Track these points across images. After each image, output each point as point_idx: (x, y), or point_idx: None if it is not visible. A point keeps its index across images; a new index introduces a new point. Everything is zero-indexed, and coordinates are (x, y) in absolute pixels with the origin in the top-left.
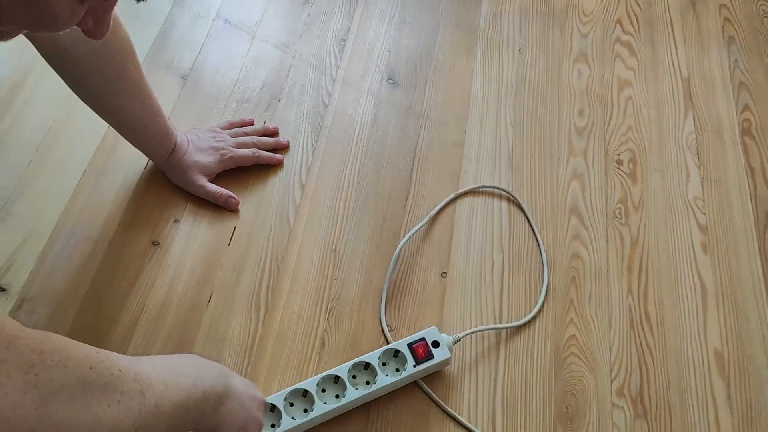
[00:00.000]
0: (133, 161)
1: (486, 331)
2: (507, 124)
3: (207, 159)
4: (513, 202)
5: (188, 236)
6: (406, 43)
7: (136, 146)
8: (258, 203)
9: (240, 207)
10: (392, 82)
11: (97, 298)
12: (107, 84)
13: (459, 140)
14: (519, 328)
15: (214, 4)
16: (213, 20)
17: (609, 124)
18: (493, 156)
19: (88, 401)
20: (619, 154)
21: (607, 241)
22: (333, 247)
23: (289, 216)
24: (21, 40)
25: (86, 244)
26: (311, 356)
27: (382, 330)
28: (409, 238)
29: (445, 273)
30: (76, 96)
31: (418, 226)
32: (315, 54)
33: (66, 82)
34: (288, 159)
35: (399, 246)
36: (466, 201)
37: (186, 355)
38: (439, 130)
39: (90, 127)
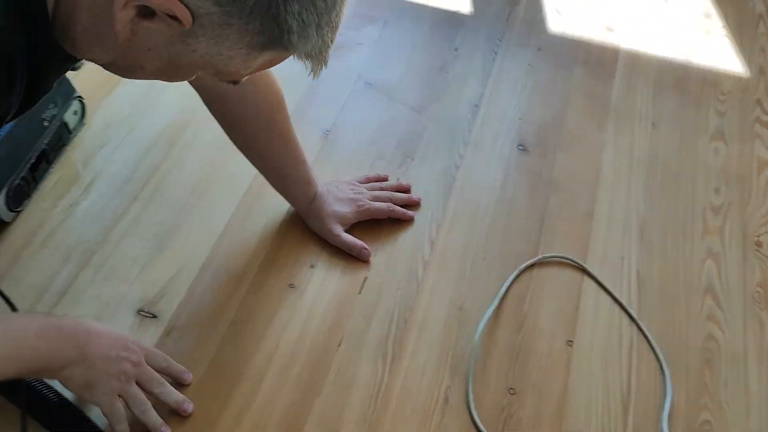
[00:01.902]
0: (276, 207)
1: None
2: (638, 197)
3: (344, 209)
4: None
5: (322, 282)
6: (537, 111)
7: (280, 192)
8: (389, 256)
9: (372, 258)
10: (522, 148)
11: (236, 332)
12: (259, 131)
13: (588, 210)
14: None
15: (357, 67)
16: (354, 82)
17: (748, 204)
18: (623, 228)
19: None
20: (758, 236)
21: (744, 326)
22: (459, 305)
23: (418, 271)
24: (188, 89)
25: (230, 281)
26: (434, 411)
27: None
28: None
29: (571, 341)
30: (230, 143)
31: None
32: (449, 117)
33: (222, 128)
34: (419, 215)
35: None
36: (595, 270)
37: (45, 327)
38: (568, 199)
39: (240, 173)
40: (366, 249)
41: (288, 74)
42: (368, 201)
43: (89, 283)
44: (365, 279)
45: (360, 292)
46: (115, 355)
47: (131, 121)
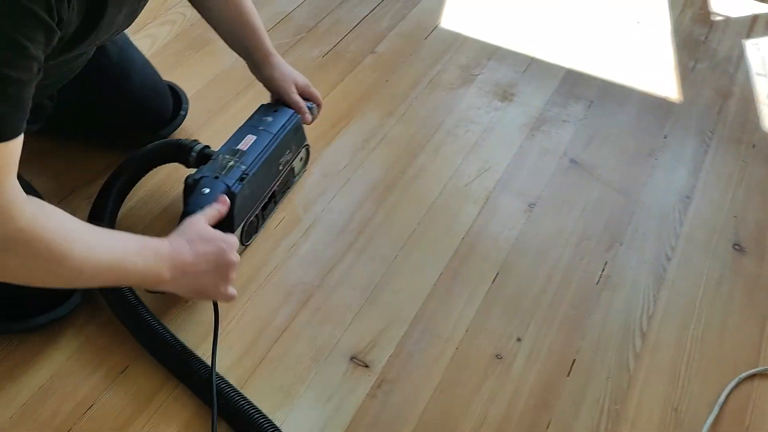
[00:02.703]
0: (485, 273)
1: None
2: None
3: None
4: None
5: (529, 357)
6: (754, 211)
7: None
8: (597, 341)
9: (579, 340)
10: (739, 248)
11: (444, 396)
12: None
13: None
14: None
15: (562, 143)
16: (560, 158)
17: None
18: None
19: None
20: None
21: None
22: (674, 406)
23: (629, 362)
24: (397, 152)
25: (437, 342)
26: None
27: None
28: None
29: None
30: (438, 206)
31: None
32: (658, 205)
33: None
34: (628, 304)
35: (746, 423)
36: None
37: (143, 245)
38: None
39: (448, 233)
40: (308, 114)
41: (494, 144)
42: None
43: (306, 324)
44: (573, 362)
45: (568, 375)
46: (213, 266)
47: (346, 173)
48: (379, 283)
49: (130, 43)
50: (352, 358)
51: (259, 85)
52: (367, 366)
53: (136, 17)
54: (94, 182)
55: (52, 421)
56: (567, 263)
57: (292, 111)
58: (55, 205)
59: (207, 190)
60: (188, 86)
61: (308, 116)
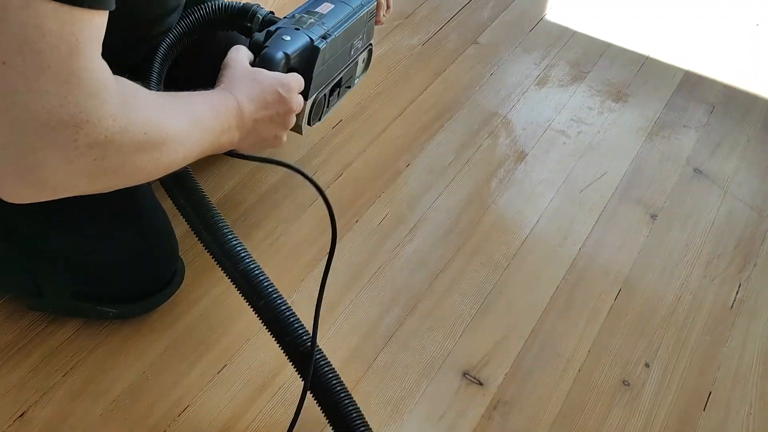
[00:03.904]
0: (606, 289)
1: None
2: None
3: None
4: None
5: (659, 386)
6: None
7: None
8: (736, 373)
9: (714, 371)
10: None
11: (568, 422)
12: None
13: None
14: None
15: (685, 150)
16: (683, 166)
17: None
18: None
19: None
20: None
21: None
22: None
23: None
24: (497, 157)
25: (558, 361)
26: None
27: None
28: None
29: None
30: (548, 216)
31: None
32: None
33: None
34: (767, 333)
35: None
36: None
37: (217, 109)
38: None
39: (562, 244)
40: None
41: (611, 149)
42: None
43: (415, 332)
44: (710, 394)
45: (704, 409)
46: (274, 113)
47: (453, 170)
48: (491, 291)
49: None
50: (464, 374)
51: None
52: (481, 384)
53: None
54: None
55: (144, 421)
56: (697, 283)
57: None
58: None
59: (288, 38)
60: None
61: (382, 16)
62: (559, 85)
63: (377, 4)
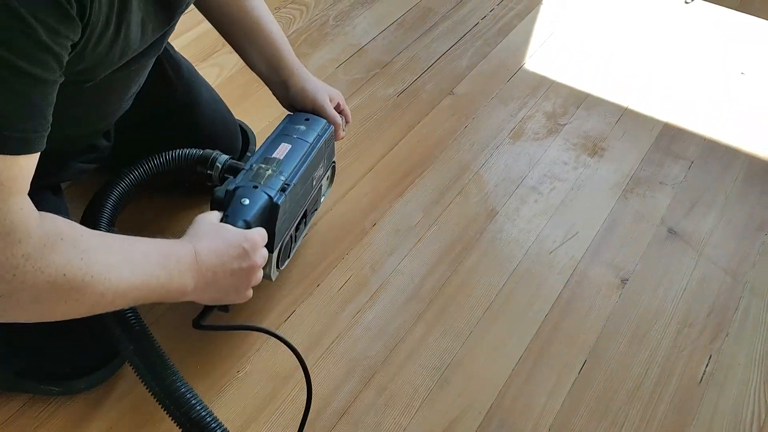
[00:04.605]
0: (571, 359)
1: None
2: None
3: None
4: None
5: None
6: None
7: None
8: None
9: None
10: None
11: None
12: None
13: None
14: None
15: (659, 209)
16: (657, 226)
17: None
18: None
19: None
20: None
21: None
22: None
23: None
24: (476, 208)
25: None
26: None
27: None
28: None
29: None
30: (515, 280)
31: None
32: None
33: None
34: (735, 408)
35: None
36: None
37: (164, 254)
38: None
39: (528, 310)
40: (342, 130)
41: (584, 207)
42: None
43: (369, 408)
44: None
45: None
46: (236, 269)
47: (419, 230)
48: (451, 363)
49: (197, 75)
50: None
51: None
52: None
53: (172, 31)
54: (142, 232)
55: None
56: (666, 354)
57: (324, 120)
58: None
59: (246, 201)
60: (254, 123)
61: (342, 132)
62: (534, 138)
63: (337, 126)
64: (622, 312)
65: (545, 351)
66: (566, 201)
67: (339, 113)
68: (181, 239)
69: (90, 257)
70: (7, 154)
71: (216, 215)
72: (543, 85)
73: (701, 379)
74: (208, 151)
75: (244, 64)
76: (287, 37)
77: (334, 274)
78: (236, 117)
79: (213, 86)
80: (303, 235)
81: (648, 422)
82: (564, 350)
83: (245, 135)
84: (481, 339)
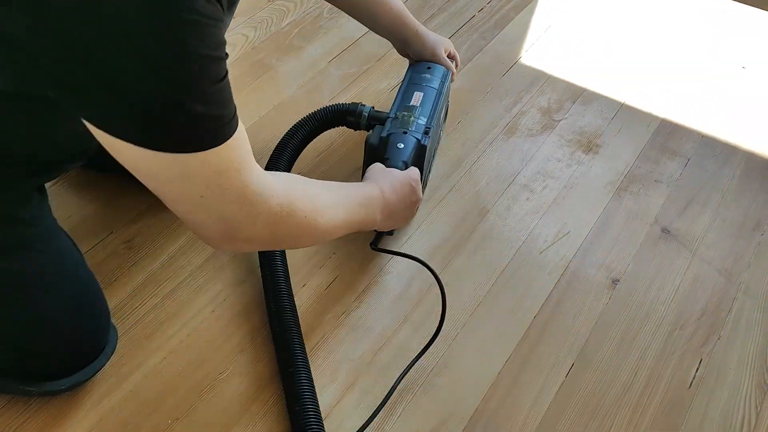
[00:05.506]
0: (559, 362)
1: None
2: None
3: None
4: None
5: None
6: None
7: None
8: None
9: None
10: None
11: None
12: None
13: None
14: None
15: (653, 208)
16: (650, 225)
17: None
18: None
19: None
20: None
21: None
22: None
23: None
24: (460, 215)
25: None
26: None
27: None
28: None
29: None
30: (510, 278)
31: None
32: (765, 292)
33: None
34: (725, 414)
35: None
36: None
37: (363, 195)
38: None
39: (517, 311)
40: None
41: (581, 198)
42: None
43: (352, 411)
44: None
45: None
46: (409, 202)
47: (408, 229)
48: (436, 366)
49: None
50: None
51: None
52: None
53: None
54: (135, 223)
55: None
56: (656, 357)
57: (443, 67)
58: (93, 246)
59: (401, 145)
60: (245, 116)
61: (456, 71)
62: (528, 134)
63: (452, 71)
64: (613, 313)
65: (532, 353)
66: (558, 199)
67: (450, 59)
68: (366, 183)
69: (317, 205)
70: (229, 138)
71: (380, 165)
72: (539, 79)
73: (691, 384)
74: (355, 103)
75: (237, 57)
76: (280, 30)
77: (320, 274)
78: None
79: None
80: (431, 167)
81: (635, 427)
82: (551, 353)
83: None
84: (468, 341)
